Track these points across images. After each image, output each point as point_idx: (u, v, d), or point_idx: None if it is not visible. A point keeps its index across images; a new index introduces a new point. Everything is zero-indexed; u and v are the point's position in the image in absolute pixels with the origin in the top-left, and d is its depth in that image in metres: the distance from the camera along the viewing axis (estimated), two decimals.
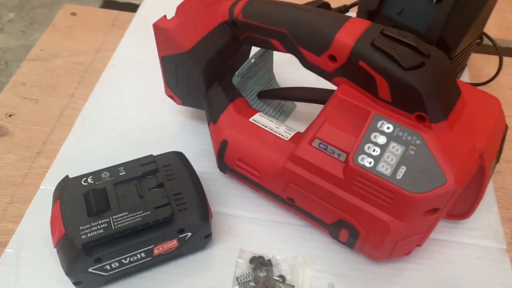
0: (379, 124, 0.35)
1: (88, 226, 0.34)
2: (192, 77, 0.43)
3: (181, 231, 0.37)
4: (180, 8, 0.41)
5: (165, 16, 0.42)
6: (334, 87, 0.39)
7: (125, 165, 0.39)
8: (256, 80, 0.50)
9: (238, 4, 0.42)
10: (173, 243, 0.38)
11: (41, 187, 0.45)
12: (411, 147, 0.34)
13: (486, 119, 0.36)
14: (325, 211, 0.38)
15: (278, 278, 0.39)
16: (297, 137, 0.41)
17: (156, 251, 0.37)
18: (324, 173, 0.37)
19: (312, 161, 0.37)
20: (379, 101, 0.35)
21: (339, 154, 0.36)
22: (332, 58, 0.37)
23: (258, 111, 0.44)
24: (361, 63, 0.35)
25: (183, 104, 0.48)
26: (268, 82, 0.52)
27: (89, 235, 0.34)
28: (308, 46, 0.38)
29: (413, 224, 0.35)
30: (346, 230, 0.38)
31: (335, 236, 0.40)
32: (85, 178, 0.38)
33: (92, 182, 0.38)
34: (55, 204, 0.37)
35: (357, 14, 0.55)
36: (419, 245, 0.39)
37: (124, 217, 0.35)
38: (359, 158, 0.35)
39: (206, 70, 0.42)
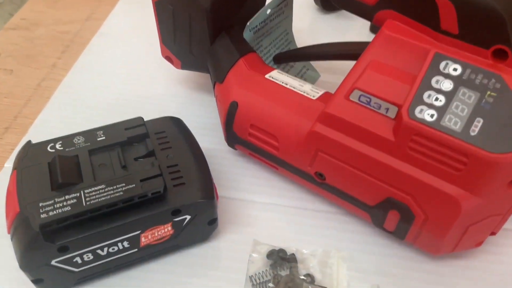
0: (442, 65, 0.26)
1: (50, 202, 0.26)
2: (194, 25, 0.35)
3: (177, 212, 0.28)
4: None
5: None
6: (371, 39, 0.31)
7: (105, 128, 0.31)
8: (272, 40, 0.42)
9: None
10: (166, 230, 0.29)
11: (5, 165, 0.37)
12: (488, 93, 0.25)
13: None
14: (368, 187, 0.29)
15: (305, 278, 0.30)
16: (327, 96, 0.32)
17: (144, 240, 0.29)
18: (367, 135, 0.28)
19: (350, 120, 0.28)
20: (441, 35, 0.27)
21: (387, 109, 0.28)
22: None
23: (275, 69, 0.35)
24: None
25: (183, 67, 0.40)
26: (286, 45, 0.44)
27: (51, 213, 0.25)
28: None
29: (493, 199, 0.26)
30: (396, 213, 0.29)
31: (379, 223, 0.31)
32: (52, 144, 0.29)
33: (61, 148, 0.29)
34: (11, 176, 0.28)
35: None
36: (493, 233, 0.30)
37: (100, 191, 0.27)
38: (417, 110, 0.26)
39: (210, 14, 0.34)
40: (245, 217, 0.34)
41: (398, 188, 0.28)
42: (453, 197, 0.26)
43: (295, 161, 0.32)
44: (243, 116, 0.33)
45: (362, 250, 0.32)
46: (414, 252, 0.32)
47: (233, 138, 0.35)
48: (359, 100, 0.28)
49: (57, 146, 0.29)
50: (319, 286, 0.30)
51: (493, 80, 0.25)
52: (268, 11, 0.39)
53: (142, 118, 0.31)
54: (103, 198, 0.26)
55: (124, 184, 0.27)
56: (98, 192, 0.27)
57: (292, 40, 0.44)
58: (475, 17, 0.25)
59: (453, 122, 0.25)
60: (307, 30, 0.51)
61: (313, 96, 0.32)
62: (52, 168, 0.28)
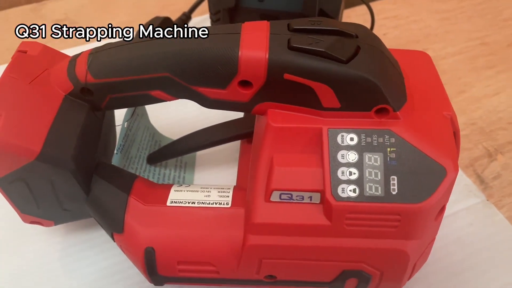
0: (339, 139, 0.28)
1: None
2: (59, 188, 0.30)
3: None
4: None
5: None
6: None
7: None
8: (138, 146, 0.39)
9: (79, 62, 0.30)
10: None
11: None
12: (389, 149, 0.28)
13: (431, 79, 0.33)
14: (321, 270, 0.31)
15: None
16: (239, 195, 0.32)
17: None
18: (303, 228, 0.29)
19: (281, 221, 0.29)
20: (326, 112, 0.29)
21: (311, 197, 0.29)
22: (245, 84, 0.29)
23: (170, 186, 0.33)
24: (287, 76, 0.28)
25: (58, 223, 0.35)
26: (152, 139, 0.42)
27: None
28: (207, 82, 0.29)
29: (427, 233, 0.30)
30: (354, 279, 0.31)
31: None
32: None
33: None
34: None
35: (210, 18, 0.48)
36: None
37: None
38: (339, 190, 0.28)
39: (77, 171, 0.29)
40: None
41: (350, 260, 0.30)
42: (399, 249, 0.29)
43: (240, 275, 0.32)
44: (166, 258, 0.31)
45: None
46: None
47: (160, 279, 0.33)
48: (280, 199, 0.29)
49: None
50: None
51: (387, 136, 0.28)
52: (126, 124, 0.36)
53: None
54: None
55: None
56: None
57: (155, 131, 0.42)
58: (353, 91, 0.27)
59: (374, 189, 0.28)
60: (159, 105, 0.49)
61: (227, 204, 0.32)
62: None
